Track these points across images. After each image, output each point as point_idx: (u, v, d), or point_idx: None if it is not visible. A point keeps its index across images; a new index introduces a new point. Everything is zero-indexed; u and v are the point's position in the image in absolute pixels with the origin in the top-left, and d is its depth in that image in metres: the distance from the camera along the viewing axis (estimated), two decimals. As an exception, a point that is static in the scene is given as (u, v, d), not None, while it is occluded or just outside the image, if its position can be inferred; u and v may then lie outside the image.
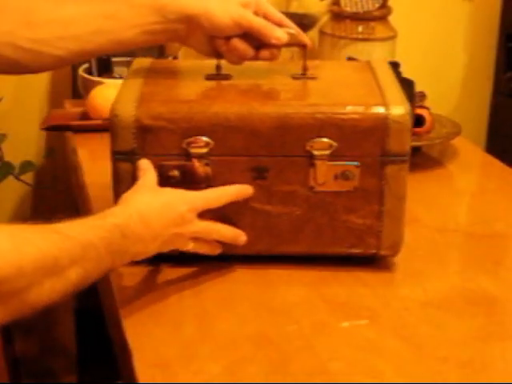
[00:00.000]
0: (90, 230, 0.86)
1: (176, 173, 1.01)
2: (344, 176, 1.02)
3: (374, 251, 1.05)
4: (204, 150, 1.00)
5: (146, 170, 1.00)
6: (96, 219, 0.89)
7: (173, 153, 1.01)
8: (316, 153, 1.01)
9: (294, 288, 1.02)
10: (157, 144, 1.02)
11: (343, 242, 1.04)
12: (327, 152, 1.01)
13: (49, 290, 0.80)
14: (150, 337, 0.91)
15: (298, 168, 1.02)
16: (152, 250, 0.94)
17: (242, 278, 1.04)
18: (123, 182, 1.02)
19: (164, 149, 1.01)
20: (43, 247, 0.79)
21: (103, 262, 0.86)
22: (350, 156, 1.02)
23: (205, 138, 1.00)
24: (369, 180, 1.02)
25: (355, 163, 1.02)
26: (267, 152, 1.01)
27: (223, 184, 1.01)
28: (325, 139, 1.01)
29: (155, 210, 0.93)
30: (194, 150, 1.01)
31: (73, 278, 0.82)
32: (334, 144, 1.01)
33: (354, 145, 1.01)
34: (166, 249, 0.96)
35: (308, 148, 1.01)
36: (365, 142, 1.01)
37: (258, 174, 1.01)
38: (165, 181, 1.00)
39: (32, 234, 0.79)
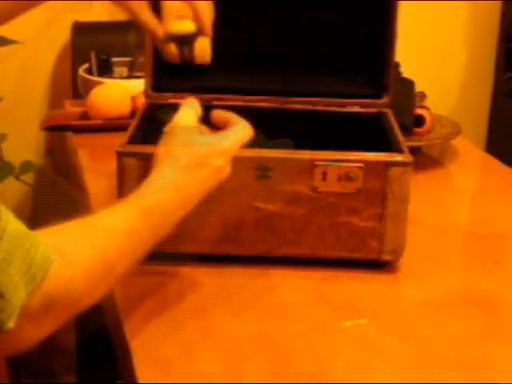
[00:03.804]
0: (131, 215, 0.84)
1: None
2: (347, 177, 1.02)
3: (376, 256, 1.05)
4: None
5: (186, 106, 0.96)
6: (136, 199, 0.87)
7: None
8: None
9: (294, 288, 1.02)
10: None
11: (345, 245, 1.04)
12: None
13: (99, 292, 0.80)
14: (150, 337, 0.91)
15: (302, 168, 1.02)
16: (195, 204, 0.92)
17: (242, 278, 1.04)
18: (128, 178, 1.02)
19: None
20: (92, 254, 0.78)
21: (147, 243, 0.86)
22: None
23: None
24: (372, 182, 1.02)
25: (359, 164, 1.02)
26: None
27: (227, 183, 1.01)
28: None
29: (191, 172, 0.90)
30: None
31: (120, 272, 0.82)
32: None
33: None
34: (206, 194, 0.93)
35: None
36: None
37: (261, 173, 1.01)
38: None
39: (79, 240, 0.78)
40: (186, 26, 1.05)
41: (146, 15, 1.03)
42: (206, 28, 1.04)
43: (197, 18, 1.04)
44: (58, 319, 0.76)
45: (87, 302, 0.79)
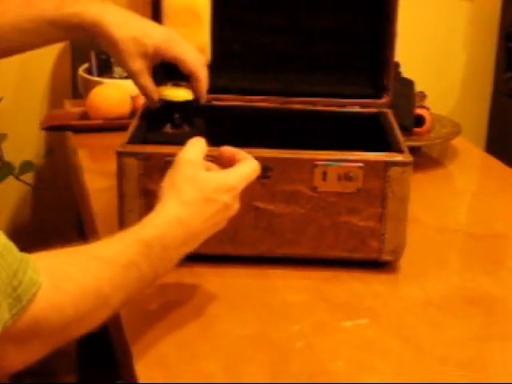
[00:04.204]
0: (131, 247, 0.82)
1: None
2: (347, 177, 1.02)
3: (376, 256, 1.05)
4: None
5: (192, 143, 0.93)
6: (137, 232, 0.84)
7: None
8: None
9: (294, 288, 1.02)
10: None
11: (345, 244, 1.04)
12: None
13: (90, 322, 0.79)
14: (150, 337, 0.91)
15: (302, 167, 1.02)
16: (199, 242, 0.90)
17: (242, 278, 1.04)
18: (128, 178, 1.02)
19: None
20: (84, 282, 0.77)
21: (146, 277, 0.84)
22: None
23: None
24: (372, 182, 1.02)
25: (359, 164, 1.02)
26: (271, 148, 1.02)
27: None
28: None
29: (196, 207, 0.87)
30: None
31: (115, 304, 0.81)
32: None
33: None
34: (212, 233, 0.91)
35: None
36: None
37: (262, 173, 1.01)
38: None
39: (71, 267, 0.77)
40: (180, 94, 1.09)
41: (144, 79, 1.08)
42: (202, 98, 1.10)
43: (196, 88, 1.09)
44: (44, 345, 0.75)
45: (76, 330, 0.77)
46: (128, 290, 0.82)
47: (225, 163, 0.93)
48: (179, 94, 1.10)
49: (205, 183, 0.88)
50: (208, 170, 0.91)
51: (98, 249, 0.81)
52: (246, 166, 0.92)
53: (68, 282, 0.75)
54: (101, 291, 0.78)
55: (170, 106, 1.10)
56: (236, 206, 0.91)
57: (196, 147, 0.92)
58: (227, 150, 0.94)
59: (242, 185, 0.90)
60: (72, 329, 0.77)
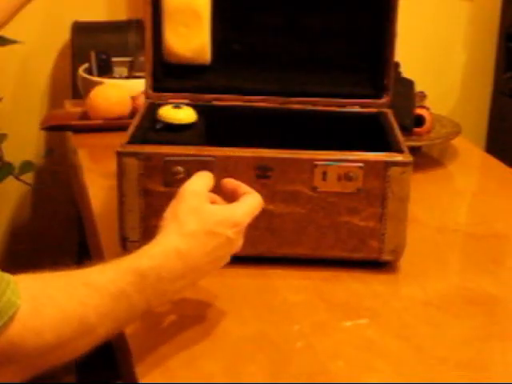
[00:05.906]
0: (123, 276, 0.79)
1: (180, 169, 1.01)
2: (347, 177, 1.02)
3: (376, 256, 1.05)
4: None
5: (198, 175, 0.92)
6: (132, 260, 0.81)
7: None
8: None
9: (294, 288, 1.02)
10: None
11: (345, 244, 1.04)
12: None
13: (73, 350, 0.75)
14: (150, 337, 0.91)
15: (302, 167, 1.02)
16: (200, 276, 0.88)
17: (242, 278, 1.04)
18: (128, 178, 1.02)
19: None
20: (67, 307, 0.73)
21: (136, 308, 0.80)
22: None
23: None
24: (372, 182, 1.02)
25: (359, 164, 1.02)
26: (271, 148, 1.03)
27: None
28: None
29: (197, 240, 0.85)
30: None
31: (102, 333, 0.77)
32: None
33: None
34: (215, 268, 0.89)
35: None
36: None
37: (261, 173, 1.02)
38: (170, 176, 1.00)
39: (56, 291, 0.74)
40: (181, 117, 1.08)
41: None
42: None
43: None
44: (20, 371, 0.72)
45: (57, 357, 0.74)
46: (116, 320, 0.79)
47: (226, 195, 0.92)
48: (180, 116, 1.10)
49: (209, 215, 0.86)
50: (213, 202, 0.90)
51: (90, 275, 0.78)
52: (251, 201, 0.91)
53: (50, 307, 0.72)
54: (85, 318, 0.75)
55: (172, 128, 1.09)
56: (240, 242, 0.90)
57: (201, 180, 0.91)
58: (229, 183, 0.93)
59: (246, 221, 0.89)
60: (52, 355, 0.73)
